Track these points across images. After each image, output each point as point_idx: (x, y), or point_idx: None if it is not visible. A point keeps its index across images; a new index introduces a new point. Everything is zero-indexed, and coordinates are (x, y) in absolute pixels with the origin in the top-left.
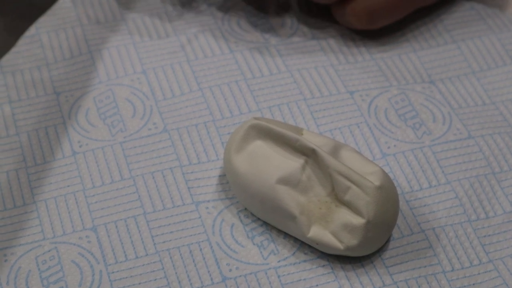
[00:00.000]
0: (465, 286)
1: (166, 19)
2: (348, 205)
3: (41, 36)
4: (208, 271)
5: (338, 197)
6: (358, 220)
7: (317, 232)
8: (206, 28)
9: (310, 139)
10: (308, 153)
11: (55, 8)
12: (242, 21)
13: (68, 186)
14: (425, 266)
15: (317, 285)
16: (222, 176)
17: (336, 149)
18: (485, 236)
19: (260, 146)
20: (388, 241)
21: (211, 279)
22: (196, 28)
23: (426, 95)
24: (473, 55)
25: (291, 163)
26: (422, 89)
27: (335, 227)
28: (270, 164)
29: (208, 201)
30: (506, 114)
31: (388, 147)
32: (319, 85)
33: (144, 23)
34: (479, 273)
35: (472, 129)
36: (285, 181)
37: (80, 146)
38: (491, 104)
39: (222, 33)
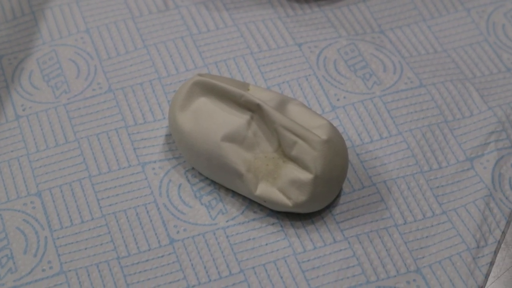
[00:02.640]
0: (417, 239)
1: None
2: (296, 161)
3: None
4: (155, 234)
5: (285, 153)
6: (305, 176)
7: (264, 189)
8: None
9: (256, 94)
10: (254, 109)
11: None
12: None
13: (12, 151)
14: (376, 220)
15: (266, 244)
16: (168, 135)
17: (283, 104)
18: (438, 187)
19: (204, 103)
20: (338, 196)
21: (159, 241)
22: None
23: (376, 45)
24: (424, 2)
25: (236, 120)
26: (372, 39)
27: (283, 184)
28: (215, 121)
29: (155, 161)
30: (458, 61)
31: (338, 99)
32: (267, 39)
33: None
34: (432, 225)
35: (424, 78)
36: (230, 138)
37: (24, 110)
38: (442, 51)
39: None
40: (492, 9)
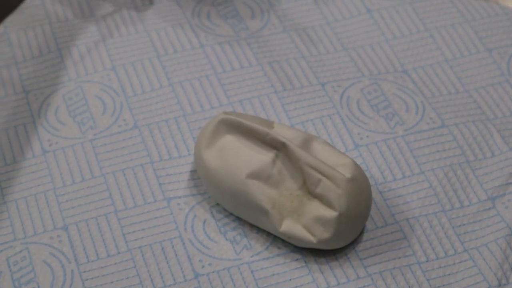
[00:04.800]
0: (440, 277)
1: (135, 14)
2: (320, 198)
3: (10, 35)
4: (181, 268)
5: (309, 190)
6: (330, 213)
7: (289, 226)
8: (175, 22)
9: (281, 132)
10: (279, 147)
11: (23, 7)
12: (212, 14)
13: (39, 185)
14: (399, 258)
15: (290, 279)
16: (193, 171)
17: (307, 142)
18: (460, 225)
19: (230, 141)
20: (362, 233)
21: (184, 276)
22: (165, 23)
23: (399, 84)
24: (446, 43)
25: (262, 157)
26: (394, 78)
27: (307, 221)
28: (240, 159)
29: (180, 197)
30: (480, 101)
31: (361, 138)
32: (291, 78)
33: (114, 19)
34: (454, 263)
35: (446, 118)
36: (255, 175)
37: (50, 145)
38: (464, 92)
39: (192, 27)
40: None
